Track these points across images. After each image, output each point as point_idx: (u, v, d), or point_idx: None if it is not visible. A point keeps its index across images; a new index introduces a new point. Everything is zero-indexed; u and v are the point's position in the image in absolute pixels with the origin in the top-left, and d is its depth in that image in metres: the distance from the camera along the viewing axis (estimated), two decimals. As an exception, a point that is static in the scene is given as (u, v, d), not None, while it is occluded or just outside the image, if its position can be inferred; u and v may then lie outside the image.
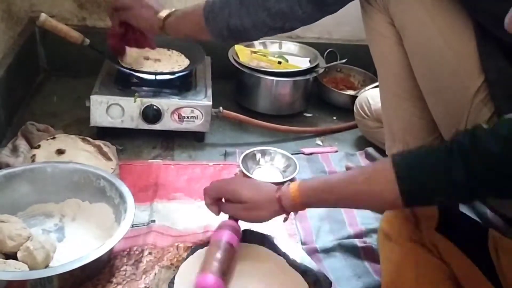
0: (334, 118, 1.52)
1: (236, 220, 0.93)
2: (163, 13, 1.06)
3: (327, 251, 1.01)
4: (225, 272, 0.86)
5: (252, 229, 0.99)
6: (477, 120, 0.86)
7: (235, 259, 0.90)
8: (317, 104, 1.56)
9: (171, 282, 0.86)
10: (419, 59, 0.92)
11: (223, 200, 0.94)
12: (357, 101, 1.35)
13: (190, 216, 1.06)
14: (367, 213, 1.12)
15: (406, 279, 0.82)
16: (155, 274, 0.89)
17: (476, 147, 0.68)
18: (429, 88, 0.93)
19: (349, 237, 1.05)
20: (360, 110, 1.32)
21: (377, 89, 1.08)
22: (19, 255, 0.86)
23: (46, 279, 0.80)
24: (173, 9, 1.07)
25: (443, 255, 0.84)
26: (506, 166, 0.67)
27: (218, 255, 0.86)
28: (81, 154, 1.10)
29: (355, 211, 1.13)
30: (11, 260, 0.85)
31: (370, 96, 1.29)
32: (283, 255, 0.94)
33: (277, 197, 0.87)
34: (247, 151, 1.24)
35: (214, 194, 0.93)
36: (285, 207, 0.86)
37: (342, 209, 1.13)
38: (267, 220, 0.91)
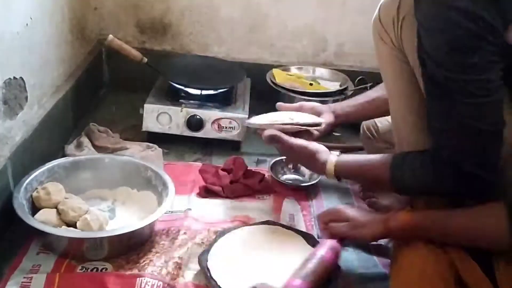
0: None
1: (339, 241, 0.99)
2: (330, 167, 1.05)
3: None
4: (315, 281, 0.91)
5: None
6: None
7: (327, 272, 0.95)
8: (346, 124, 1.67)
9: (201, 255, 1.01)
10: None
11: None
12: (363, 124, 1.35)
13: (222, 208, 1.22)
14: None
15: (413, 268, 0.87)
16: (187, 248, 1.05)
17: None
18: None
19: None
20: (367, 131, 1.33)
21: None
22: (78, 224, 1.03)
23: (99, 240, 0.97)
24: (333, 161, 1.05)
25: (451, 254, 0.88)
26: None
27: (310, 264, 0.93)
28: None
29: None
30: (71, 228, 1.03)
31: (378, 120, 1.31)
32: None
33: (384, 218, 0.92)
34: (276, 159, 1.39)
35: (326, 218, 1.04)
36: (391, 228, 0.91)
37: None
38: (370, 241, 0.99)
